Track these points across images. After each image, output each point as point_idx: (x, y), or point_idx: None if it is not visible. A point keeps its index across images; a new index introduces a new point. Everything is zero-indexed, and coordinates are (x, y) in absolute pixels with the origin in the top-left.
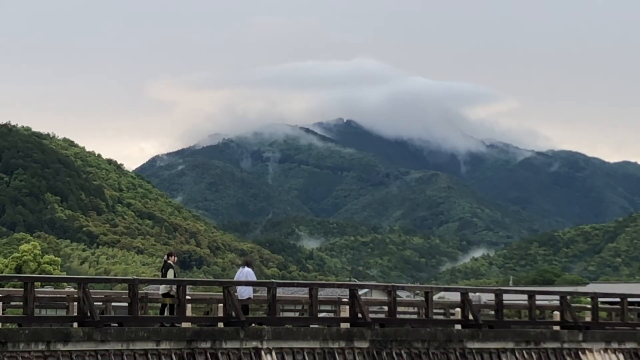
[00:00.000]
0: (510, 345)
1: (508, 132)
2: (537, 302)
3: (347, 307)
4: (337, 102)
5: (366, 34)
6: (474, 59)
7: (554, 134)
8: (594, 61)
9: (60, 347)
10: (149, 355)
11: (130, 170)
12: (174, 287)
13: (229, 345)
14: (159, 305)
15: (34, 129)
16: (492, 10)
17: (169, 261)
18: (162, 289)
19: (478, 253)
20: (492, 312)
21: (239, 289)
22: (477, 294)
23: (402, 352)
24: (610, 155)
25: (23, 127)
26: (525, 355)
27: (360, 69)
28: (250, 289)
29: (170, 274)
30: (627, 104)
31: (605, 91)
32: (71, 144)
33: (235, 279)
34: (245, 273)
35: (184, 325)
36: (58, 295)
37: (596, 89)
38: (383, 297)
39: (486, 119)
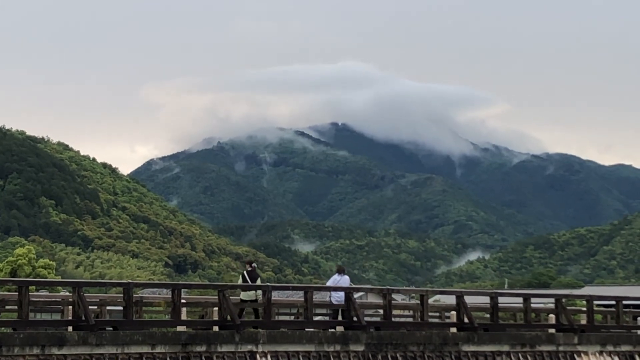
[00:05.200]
0: (506, 348)
1: (502, 135)
2: (532, 305)
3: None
4: (325, 106)
5: (351, 36)
6: (462, 62)
7: (547, 137)
8: (585, 64)
9: (55, 351)
10: (144, 359)
11: (125, 174)
12: (260, 293)
13: (224, 348)
14: (155, 309)
15: (28, 133)
16: (480, 13)
17: (252, 269)
18: (251, 295)
19: (473, 256)
20: (488, 315)
21: (337, 294)
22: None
23: (398, 355)
24: (601, 157)
25: (17, 131)
26: (521, 358)
27: (346, 72)
28: (343, 294)
29: (259, 282)
30: (618, 107)
31: (597, 94)
32: (66, 147)
33: (330, 285)
34: (345, 280)
35: (179, 328)
36: (53, 299)
37: (588, 91)
38: (378, 300)
39: (479, 122)
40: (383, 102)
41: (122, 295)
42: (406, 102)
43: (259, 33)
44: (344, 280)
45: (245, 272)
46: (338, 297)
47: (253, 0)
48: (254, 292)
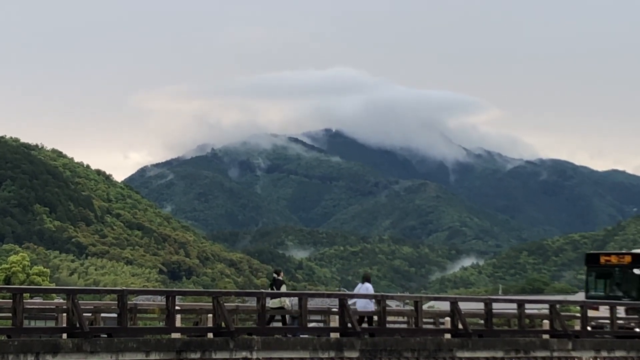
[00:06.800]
0: (500, 354)
1: (494, 141)
2: (526, 311)
3: (337, 316)
4: (317, 112)
5: (342, 42)
6: (453, 68)
7: (538, 142)
8: (574, 70)
9: (49, 358)
10: None
11: (119, 181)
12: (287, 301)
13: (219, 355)
14: (149, 315)
15: (22, 140)
16: (471, 20)
17: (279, 277)
18: (276, 302)
19: (467, 262)
20: (482, 321)
21: (362, 302)
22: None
23: None
24: (594, 163)
25: (11, 138)
26: None
27: (338, 78)
28: (372, 302)
29: (283, 289)
30: (607, 113)
31: (587, 100)
32: (60, 154)
33: (355, 292)
34: (364, 288)
35: (173, 335)
36: (47, 307)
37: (578, 97)
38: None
39: (471, 128)
40: (375, 108)
41: (116, 302)
42: (398, 108)
43: (250, 39)
44: (364, 288)
45: (272, 282)
46: (365, 305)
47: (243, 6)
48: (278, 299)
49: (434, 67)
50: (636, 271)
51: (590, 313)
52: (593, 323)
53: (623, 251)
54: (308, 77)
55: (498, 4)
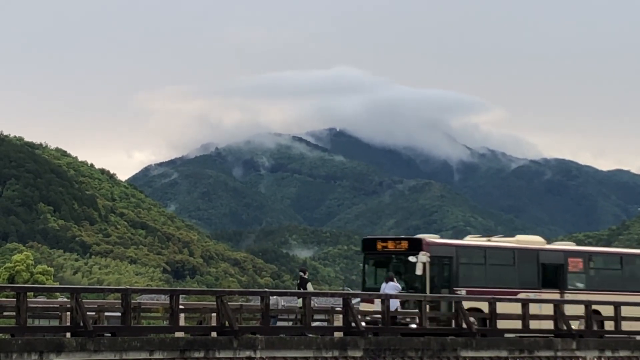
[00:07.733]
0: (504, 353)
1: (497, 140)
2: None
3: (341, 316)
4: (319, 111)
5: (343, 42)
6: (455, 67)
7: (541, 142)
8: (576, 69)
9: (53, 357)
10: None
11: (123, 180)
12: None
13: (222, 354)
14: (153, 314)
15: (26, 139)
16: (473, 19)
17: (305, 276)
18: (300, 302)
19: None
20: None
21: (391, 301)
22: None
23: None
24: (599, 163)
25: (15, 137)
26: None
27: (340, 78)
28: (397, 301)
29: (310, 287)
30: (609, 113)
31: (588, 100)
32: (64, 153)
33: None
34: (390, 287)
35: (177, 334)
36: (51, 305)
37: (581, 97)
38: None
39: (474, 128)
40: (377, 108)
41: (120, 301)
42: (401, 107)
43: (250, 39)
44: (389, 288)
45: (300, 281)
46: (391, 305)
47: (244, 6)
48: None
49: (435, 67)
50: (412, 259)
51: (366, 307)
52: (368, 318)
53: (401, 236)
54: (309, 77)
55: (498, 4)
